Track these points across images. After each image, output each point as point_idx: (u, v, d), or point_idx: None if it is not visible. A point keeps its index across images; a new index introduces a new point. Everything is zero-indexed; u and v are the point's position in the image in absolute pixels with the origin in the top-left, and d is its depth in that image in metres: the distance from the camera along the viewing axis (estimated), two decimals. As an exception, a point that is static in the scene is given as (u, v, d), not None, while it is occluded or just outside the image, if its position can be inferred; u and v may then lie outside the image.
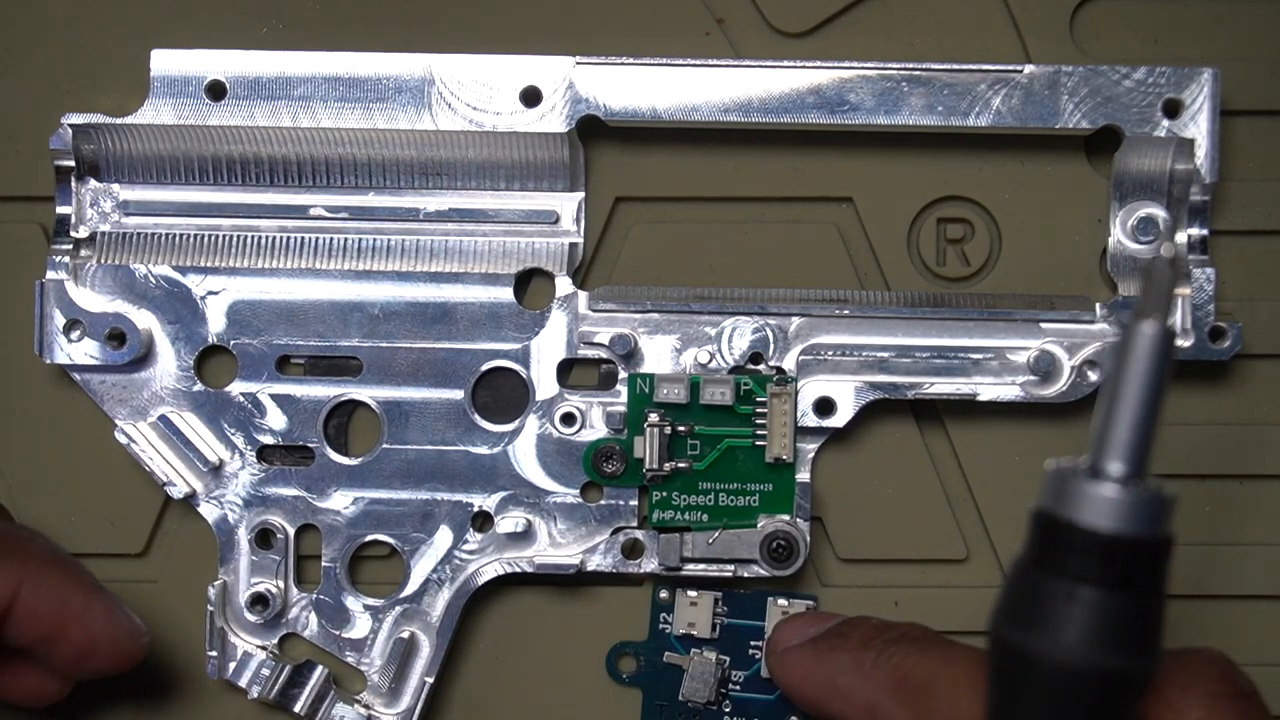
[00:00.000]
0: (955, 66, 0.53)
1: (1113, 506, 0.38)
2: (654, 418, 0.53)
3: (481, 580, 0.54)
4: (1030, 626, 0.38)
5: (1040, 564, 0.39)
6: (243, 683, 0.54)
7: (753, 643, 0.55)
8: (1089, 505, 0.38)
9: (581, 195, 0.55)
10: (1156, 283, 0.38)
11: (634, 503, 0.54)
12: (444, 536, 0.54)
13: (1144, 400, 0.38)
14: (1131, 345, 0.38)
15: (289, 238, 0.55)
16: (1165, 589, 0.39)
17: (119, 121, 0.54)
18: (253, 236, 0.55)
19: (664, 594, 0.55)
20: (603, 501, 0.54)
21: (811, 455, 0.54)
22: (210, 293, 0.54)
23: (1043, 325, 0.53)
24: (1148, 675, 0.39)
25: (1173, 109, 0.53)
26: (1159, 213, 0.54)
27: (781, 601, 0.55)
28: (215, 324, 0.54)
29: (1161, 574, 0.39)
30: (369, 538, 0.55)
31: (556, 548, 0.54)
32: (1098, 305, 0.53)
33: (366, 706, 0.54)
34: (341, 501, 0.55)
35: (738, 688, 0.55)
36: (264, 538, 0.55)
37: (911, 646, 0.46)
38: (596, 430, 0.54)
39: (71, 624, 0.48)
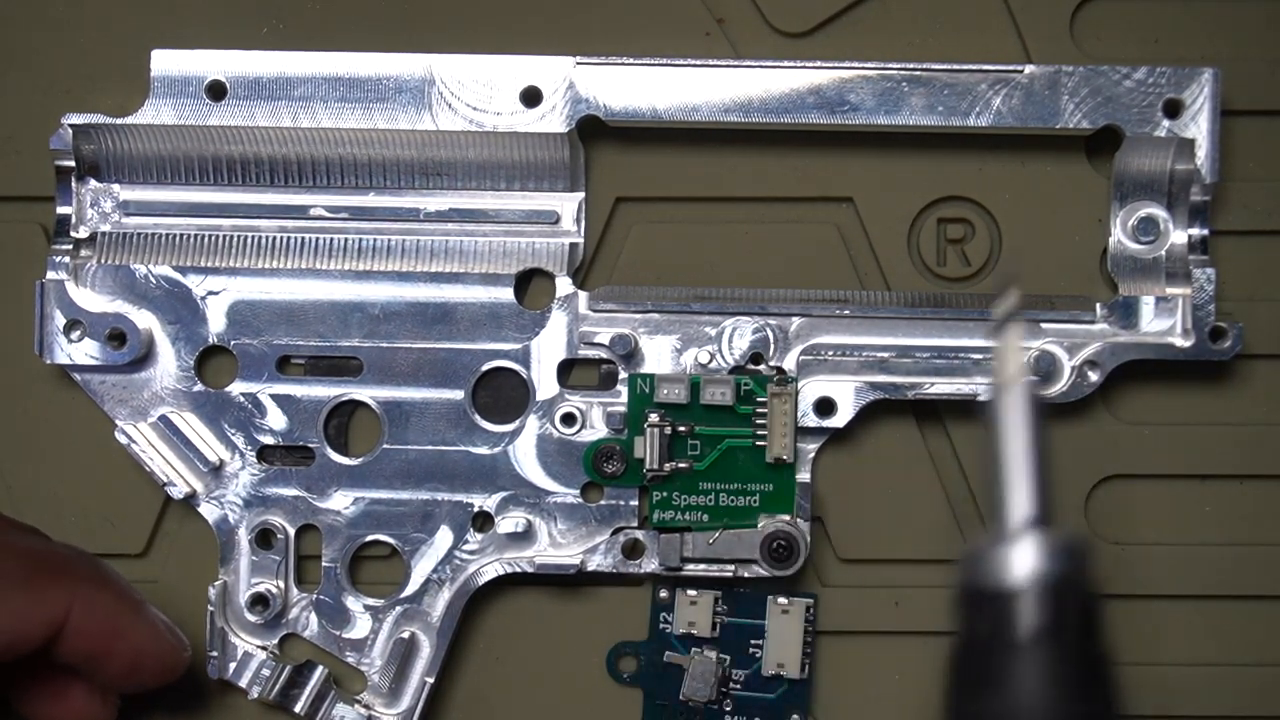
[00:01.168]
0: (955, 66, 0.53)
1: (1022, 559, 0.38)
2: (654, 418, 0.53)
3: (482, 580, 0.54)
4: (980, 698, 0.38)
5: (973, 637, 0.39)
6: (243, 683, 0.54)
7: (753, 641, 0.55)
8: (1000, 566, 0.38)
9: (582, 195, 0.55)
10: (1004, 345, 0.40)
11: (634, 503, 0.54)
12: (444, 536, 0.54)
13: (1029, 457, 0.39)
14: (1002, 410, 0.39)
15: (289, 238, 0.55)
16: (1101, 632, 0.39)
17: (119, 121, 0.54)
18: (253, 236, 0.55)
19: (664, 593, 0.55)
20: (603, 502, 0.54)
21: (812, 455, 0.54)
22: (210, 293, 0.54)
23: (1043, 325, 0.53)
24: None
25: (1173, 109, 0.53)
26: (1160, 213, 0.54)
27: (781, 600, 0.55)
28: (215, 324, 0.54)
29: (1091, 617, 0.38)
30: (369, 538, 0.55)
31: (557, 548, 0.55)
32: (1098, 305, 0.53)
33: (367, 707, 0.54)
34: (342, 502, 0.55)
35: (739, 687, 0.55)
36: (264, 538, 0.55)
37: None
38: (597, 430, 0.54)
39: (120, 642, 0.49)
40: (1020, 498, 0.39)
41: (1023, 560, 0.38)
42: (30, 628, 0.47)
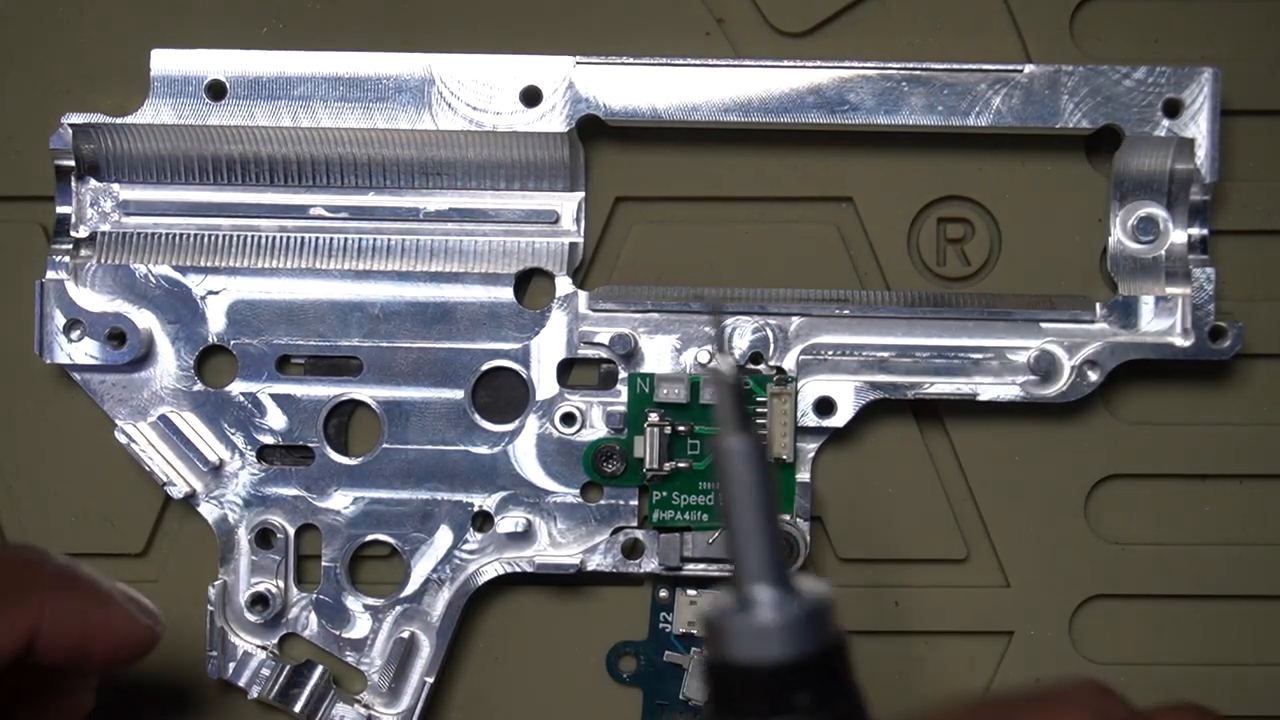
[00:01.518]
0: (955, 66, 0.53)
1: (763, 635, 0.36)
2: (654, 417, 0.53)
3: (481, 580, 0.54)
4: None
5: (721, 713, 0.37)
6: (243, 683, 0.54)
7: (753, 642, 0.55)
8: (742, 641, 0.36)
9: (581, 195, 0.55)
10: (722, 399, 0.37)
11: (634, 502, 0.54)
12: (444, 536, 0.54)
13: (755, 515, 0.36)
14: (724, 465, 0.37)
15: (289, 237, 0.55)
16: (850, 688, 0.37)
17: (119, 121, 0.54)
18: (253, 236, 0.55)
19: (664, 593, 0.55)
20: (603, 501, 0.54)
21: (812, 455, 0.54)
22: (210, 292, 0.54)
23: (1043, 325, 0.53)
24: None
25: (1173, 109, 0.53)
26: (1159, 212, 0.54)
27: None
28: (215, 324, 0.54)
29: (839, 678, 0.37)
30: (369, 538, 0.55)
31: (557, 547, 0.54)
32: (1098, 305, 0.53)
33: (366, 706, 0.54)
34: (341, 501, 0.55)
35: (738, 687, 0.55)
36: (264, 537, 0.55)
37: None
38: (596, 430, 0.54)
39: (96, 638, 0.47)
40: (752, 570, 0.36)
41: (752, 638, 0.36)
42: (2, 645, 0.45)
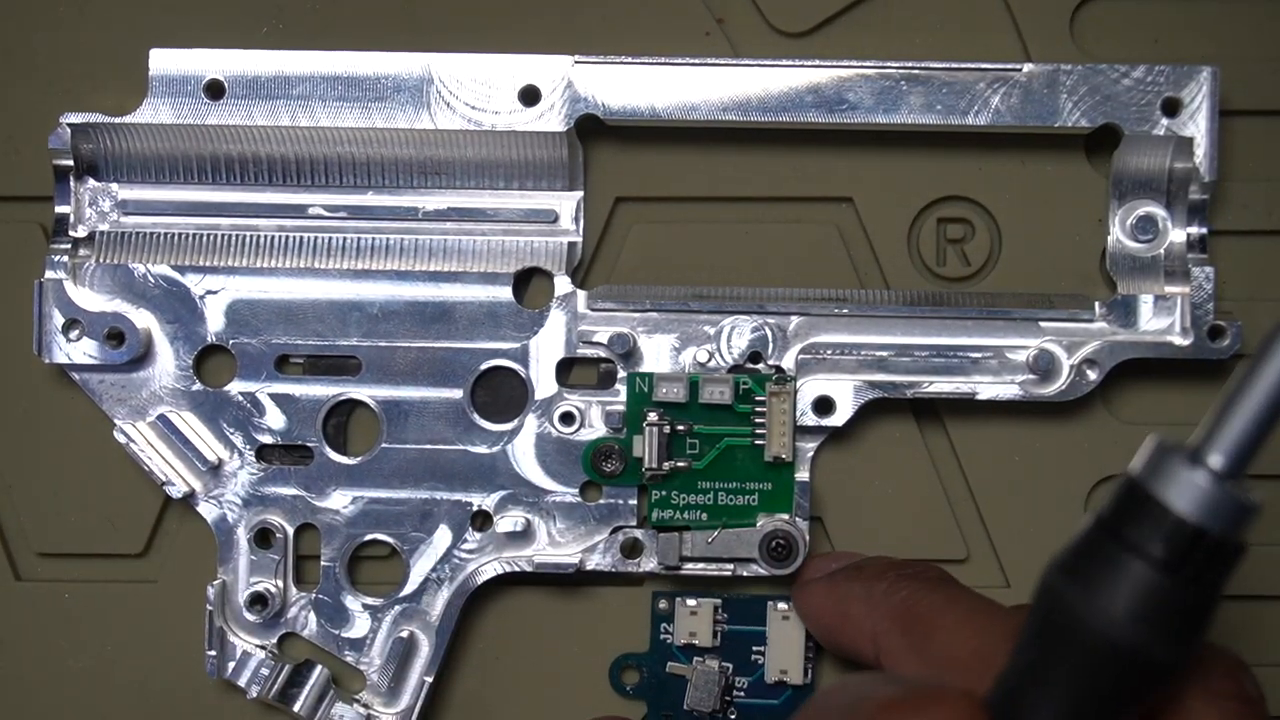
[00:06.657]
0: (954, 65, 0.53)
1: (1198, 495, 0.37)
2: (653, 417, 0.53)
3: (481, 579, 0.54)
4: (1083, 585, 0.38)
5: (1114, 529, 0.38)
6: (242, 682, 0.54)
7: (754, 649, 0.55)
8: (1177, 487, 0.37)
9: (581, 194, 0.55)
10: None
11: (633, 502, 0.54)
12: (443, 536, 0.54)
13: (1268, 405, 0.38)
14: (1271, 350, 0.38)
15: (288, 237, 0.55)
16: (1221, 593, 0.39)
17: (118, 121, 0.54)
18: (251, 236, 0.55)
19: (663, 604, 0.55)
20: (602, 501, 0.54)
21: (811, 454, 0.54)
22: (209, 292, 0.54)
23: (1042, 324, 0.53)
24: (1177, 668, 0.39)
25: (1172, 108, 0.53)
26: (1158, 211, 0.54)
27: (782, 606, 0.54)
28: (214, 323, 0.54)
29: (1223, 577, 0.38)
30: (368, 537, 0.55)
31: (556, 547, 0.54)
32: (1097, 304, 0.53)
33: (366, 706, 0.54)
34: (340, 501, 0.55)
35: (742, 695, 0.55)
36: (263, 537, 0.55)
37: (922, 583, 0.47)
38: (595, 429, 0.54)
39: None
40: (1227, 442, 0.38)
41: (1192, 496, 0.37)
42: None
